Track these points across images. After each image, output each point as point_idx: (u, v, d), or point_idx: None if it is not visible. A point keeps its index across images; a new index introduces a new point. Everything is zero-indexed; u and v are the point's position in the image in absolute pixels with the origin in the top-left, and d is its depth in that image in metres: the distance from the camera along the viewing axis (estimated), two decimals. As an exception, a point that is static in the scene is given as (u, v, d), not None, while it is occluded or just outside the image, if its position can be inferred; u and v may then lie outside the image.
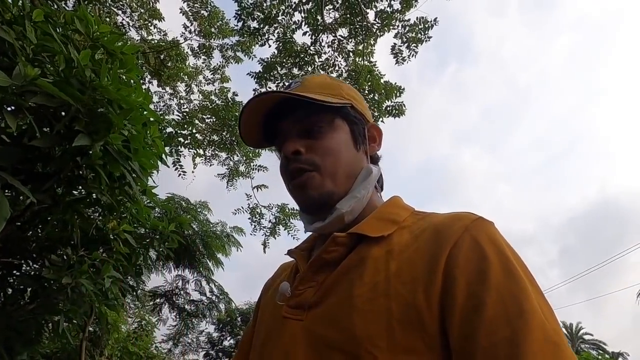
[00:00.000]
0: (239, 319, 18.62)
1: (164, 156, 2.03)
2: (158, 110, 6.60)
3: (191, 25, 6.42)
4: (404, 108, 5.26)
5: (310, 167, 0.57)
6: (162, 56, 6.37)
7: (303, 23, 5.19)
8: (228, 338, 19.16)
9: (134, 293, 3.24)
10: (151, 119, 1.88)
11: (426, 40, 4.98)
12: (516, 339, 0.39)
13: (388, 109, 5.30)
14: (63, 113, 1.52)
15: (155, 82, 6.55)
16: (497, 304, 0.42)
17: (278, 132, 0.61)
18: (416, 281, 0.46)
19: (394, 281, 0.47)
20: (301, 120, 0.59)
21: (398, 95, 5.25)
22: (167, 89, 6.84)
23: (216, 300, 8.73)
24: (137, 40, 6.12)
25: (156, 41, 6.41)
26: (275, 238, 6.31)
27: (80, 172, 1.70)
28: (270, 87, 5.82)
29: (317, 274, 0.54)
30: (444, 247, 0.47)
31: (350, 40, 5.37)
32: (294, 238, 6.27)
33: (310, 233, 0.66)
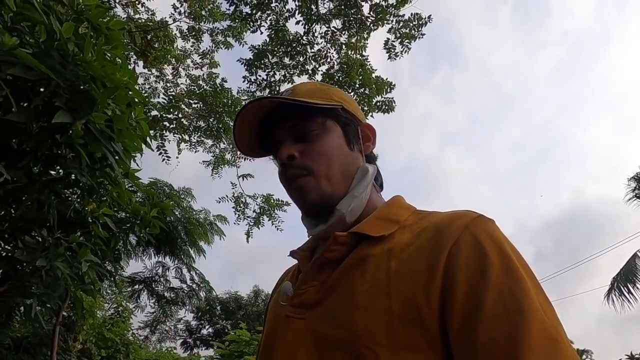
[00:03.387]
0: (218, 307, 18.57)
1: (148, 139, 1.97)
2: (143, 92, 6.40)
3: (181, 6, 6.23)
4: (393, 104, 5.27)
5: (304, 171, 0.58)
6: (149, 36, 6.16)
7: (297, 12, 5.10)
8: (207, 326, 19.09)
9: (112, 278, 3.16)
10: (136, 100, 1.82)
11: (419, 37, 4.99)
12: (515, 335, 0.39)
13: (378, 104, 5.30)
14: (42, 88, 1.44)
15: (141, 63, 6.34)
16: (496, 301, 0.42)
17: (273, 140, 0.62)
18: (416, 279, 0.46)
19: (395, 279, 0.47)
20: (293, 126, 0.60)
21: (388, 91, 5.25)
22: (154, 71, 6.64)
23: (197, 289, 8.65)
24: (124, 18, 5.89)
25: (143, 20, 6.19)
26: (259, 228, 6.27)
27: (59, 150, 1.63)
28: (260, 76, 5.72)
29: (319, 273, 0.55)
30: (444, 246, 0.47)
31: (343, 32, 5.32)
32: (277, 229, 6.25)
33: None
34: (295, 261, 0.66)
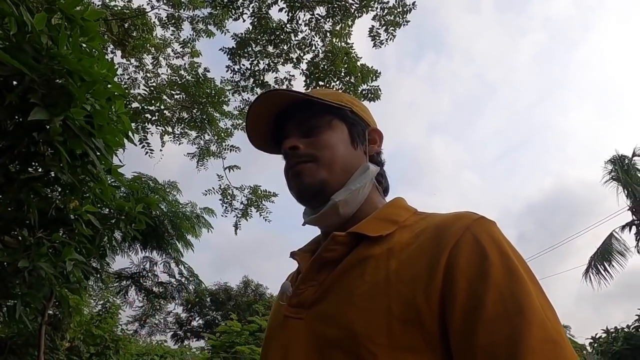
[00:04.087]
0: (208, 299, 18.56)
1: (130, 133, 1.92)
2: (122, 83, 6.19)
3: (159, -8, 6.00)
4: (379, 92, 5.26)
5: (308, 158, 0.59)
6: (126, 25, 5.93)
7: (279, -2, 4.99)
8: (197, 318, 19.10)
9: (98, 275, 3.11)
10: (116, 93, 1.76)
11: (404, 24, 4.96)
12: (516, 337, 0.39)
13: (364, 92, 5.28)
14: (15, 83, 1.38)
15: (118, 52, 6.12)
16: (497, 303, 0.42)
17: (282, 136, 0.63)
18: (416, 280, 0.46)
19: (394, 280, 0.47)
20: (301, 121, 0.62)
21: (374, 79, 5.23)
22: (132, 60, 6.42)
23: (186, 282, 8.61)
24: (98, 5, 5.64)
25: (119, 8, 5.95)
26: (247, 220, 6.24)
27: (37, 148, 1.57)
28: (243, 65, 5.61)
29: (318, 273, 0.55)
30: (445, 247, 0.46)
31: (327, 19, 5.24)
32: (265, 220, 6.24)
33: (314, 236, 0.67)
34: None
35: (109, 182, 2.11)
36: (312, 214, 0.60)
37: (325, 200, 0.58)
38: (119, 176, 2.04)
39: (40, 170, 1.76)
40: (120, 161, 2.02)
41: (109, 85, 1.68)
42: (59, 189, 1.97)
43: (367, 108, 0.70)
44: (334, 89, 5.23)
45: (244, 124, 0.66)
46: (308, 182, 0.58)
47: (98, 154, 1.66)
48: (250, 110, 0.62)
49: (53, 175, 1.75)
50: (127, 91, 5.77)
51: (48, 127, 1.41)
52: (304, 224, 0.63)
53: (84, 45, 1.61)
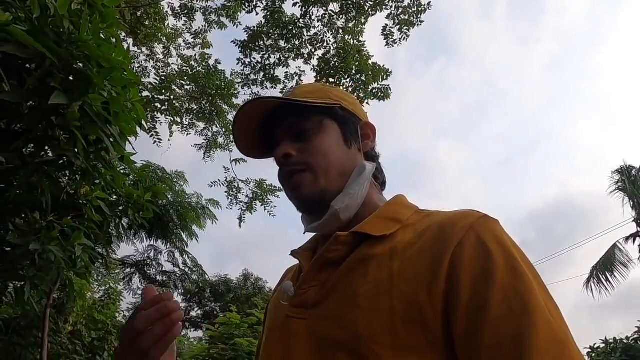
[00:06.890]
0: (208, 290, 18.68)
1: (142, 121, 1.92)
2: (133, 71, 6.21)
3: (173, -18, 5.99)
4: (389, 91, 5.24)
5: (302, 166, 0.58)
6: (139, 13, 5.93)
7: (294, -7, 4.96)
8: (195, 309, 19.24)
9: (104, 261, 3.13)
10: (132, 81, 1.76)
11: (418, 25, 4.93)
12: (521, 337, 0.39)
13: (374, 91, 5.26)
14: (34, 66, 1.38)
15: (130, 40, 6.12)
16: (502, 302, 0.41)
17: (274, 141, 0.62)
18: (419, 280, 0.45)
19: (397, 279, 0.47)
20: (291, 126, 0.60)
21: (385, 78, 5.21)
22: (144, 49, 6.43)
23: (189, 272, 8.65)
24: (112, -7, 5.65)
25: (133, -4, 5.95)
26: (251, 213, 6.26)
27: (53, 132, 1.58)
28: (254, 58, 5.60)
29: (320, 273, 0.54)
30: (448, 246, 0.46)
31: (341, 16, 5.21)
32: (270, 214, 6.25)
33: (314, 234, 0.66)
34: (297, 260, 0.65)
35: (120, 169, 2.12)
36: (311, 221, 0.60)
37: (325, 208, 0.57)
38: (132, 164, 2.05)
39: (51, 154, 1.77)
40: (133, 149, 2.03)
41: (125, 73, 1.68)
42: (69, 174, 1.99)
43: (356, 101, 0.68)
44: (343, 86, 5.21)
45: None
46: (307, 193, 0.57)
47: (112, 140, 1.67)
48: (236, 118, 0.60)
49: (66, 160, 1.76)
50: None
51: (63, 111, 1.42)
52: (305, 232, 0.62)
53: (102, 31, 1.61)
